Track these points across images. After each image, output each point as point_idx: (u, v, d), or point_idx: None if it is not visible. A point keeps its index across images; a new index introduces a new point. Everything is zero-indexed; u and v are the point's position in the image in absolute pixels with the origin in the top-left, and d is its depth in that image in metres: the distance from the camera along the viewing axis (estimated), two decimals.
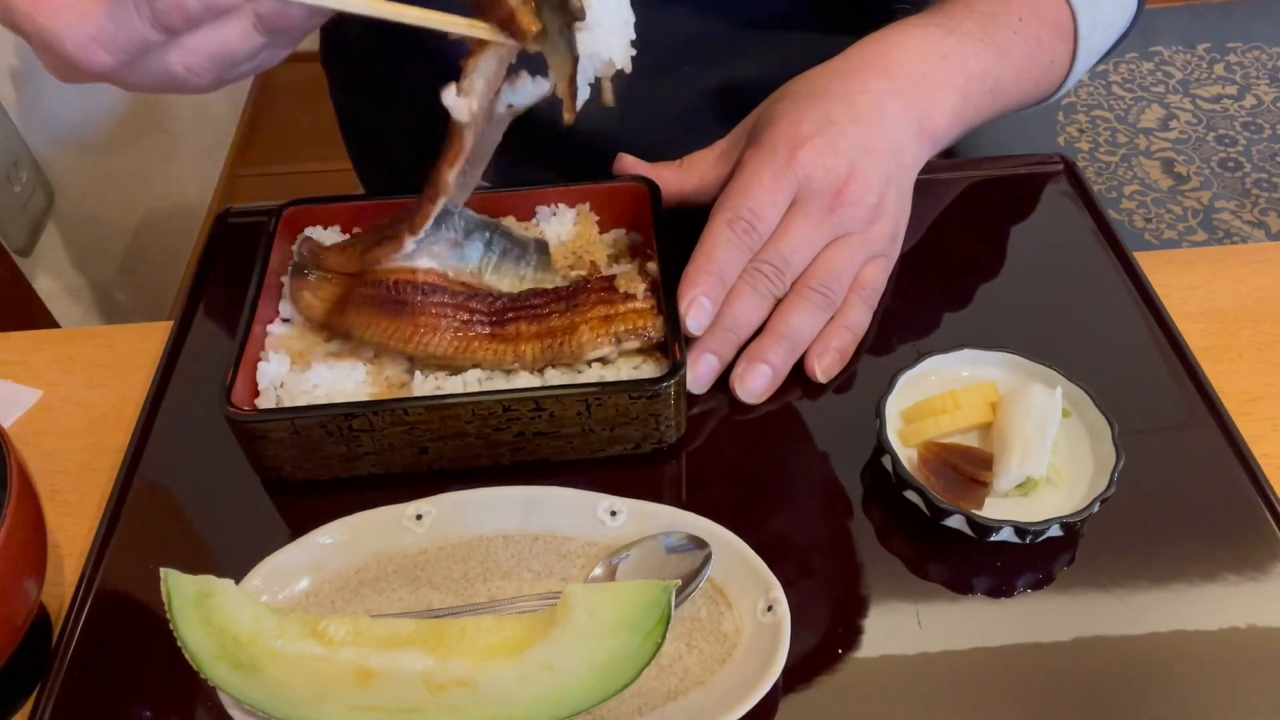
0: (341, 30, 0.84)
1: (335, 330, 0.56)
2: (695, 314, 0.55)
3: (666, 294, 0.55)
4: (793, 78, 0.62)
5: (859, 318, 0.59)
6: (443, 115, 0.50)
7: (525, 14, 0.47)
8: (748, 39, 0.74)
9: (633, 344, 0.54)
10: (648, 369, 0.54)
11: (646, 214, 0.60)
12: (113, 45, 0.42)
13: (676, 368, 0.52)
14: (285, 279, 0.59)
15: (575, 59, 0.49)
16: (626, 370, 0.54)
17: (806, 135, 0.57)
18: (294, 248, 0.60)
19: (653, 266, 0.58)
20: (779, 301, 0.58)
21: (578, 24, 0.48)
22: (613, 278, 0.56)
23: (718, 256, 0.56)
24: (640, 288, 0.55)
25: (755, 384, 0.56)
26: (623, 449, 0.54)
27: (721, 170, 0.62)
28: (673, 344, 0.53)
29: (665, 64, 0.71)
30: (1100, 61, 0.73)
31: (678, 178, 0.63)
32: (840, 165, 0.57)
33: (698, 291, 0.55)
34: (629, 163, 0.64)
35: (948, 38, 0.62)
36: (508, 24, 0.48)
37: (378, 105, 0.86)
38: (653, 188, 0.61)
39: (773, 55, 0.72)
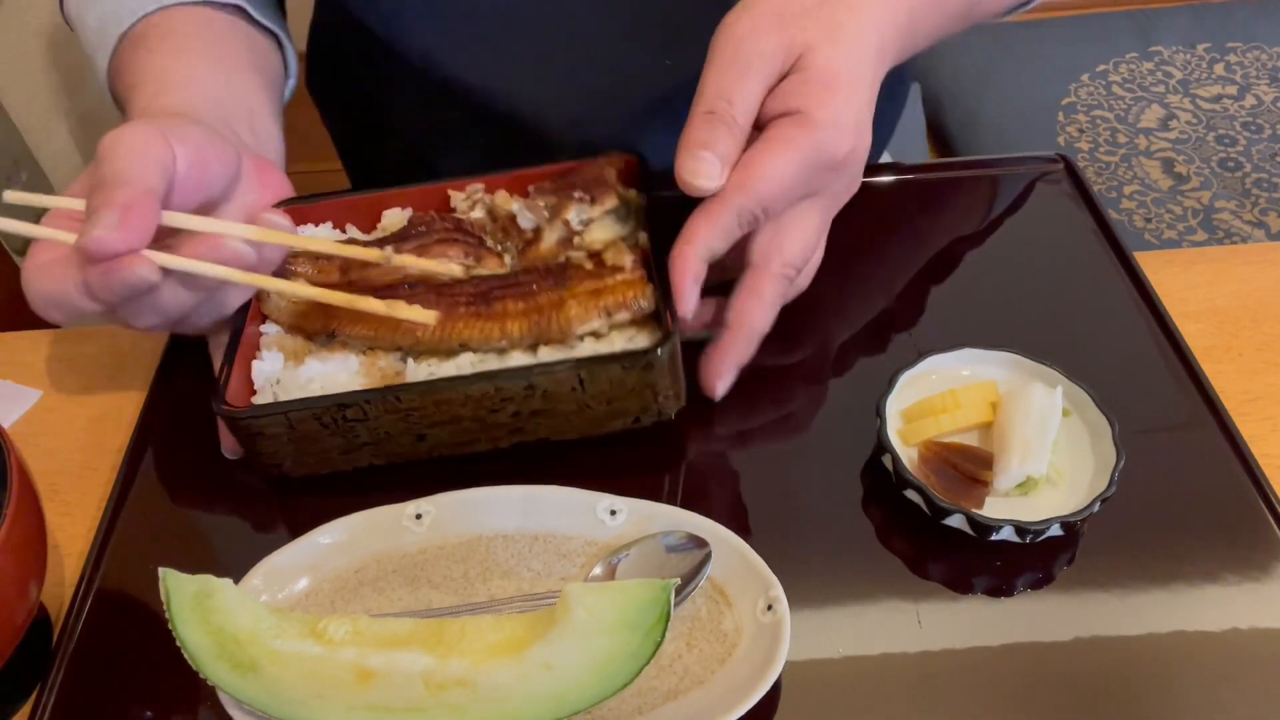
0: (329, 57, 0.84)
1: (310, 331, 0.55)
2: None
3: (657, 265, 0.53)
4: None
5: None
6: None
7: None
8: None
9: (623, 316, 0.53)
10: (642, 340, 0.53)
11: (634, 186, 0.60)
12: (65, 311, 0.50)
13: (668, 336, 0.51)
14: None
15: None
16: (620, 344, 0.53)
17: (837, 122, 0.51)
18: None
19: (643, 237, 0.57)
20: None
21: None
22: (600, 252, 0.55)
23: (717, 235, 0.52)
24: (628, 259, 0.54)
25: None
26: (623, 423, 0.54)
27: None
28: (664, 312, 0.52)
29: (649, 55, 0.69)
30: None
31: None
32: (850, 139, 0.52)
33: (698, 246, 0.52)
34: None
35: None
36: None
37: (368, 130, 0.85)
38: (640, 160, 0.60)
39: None
